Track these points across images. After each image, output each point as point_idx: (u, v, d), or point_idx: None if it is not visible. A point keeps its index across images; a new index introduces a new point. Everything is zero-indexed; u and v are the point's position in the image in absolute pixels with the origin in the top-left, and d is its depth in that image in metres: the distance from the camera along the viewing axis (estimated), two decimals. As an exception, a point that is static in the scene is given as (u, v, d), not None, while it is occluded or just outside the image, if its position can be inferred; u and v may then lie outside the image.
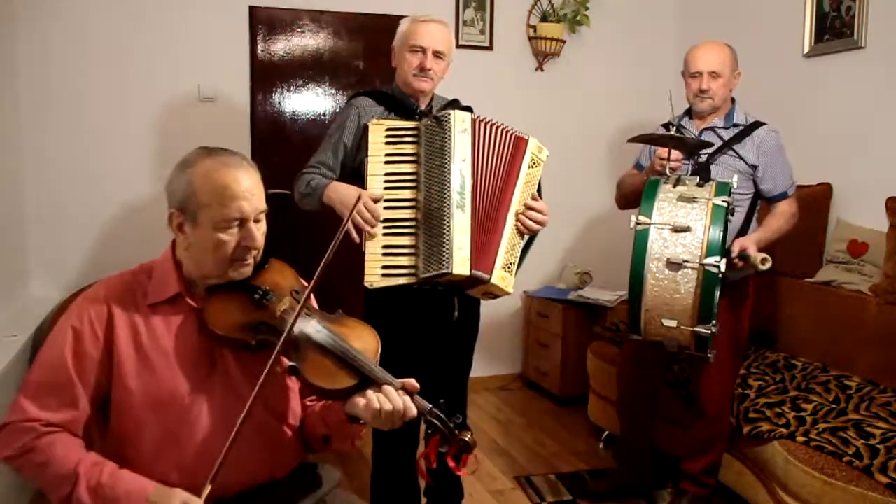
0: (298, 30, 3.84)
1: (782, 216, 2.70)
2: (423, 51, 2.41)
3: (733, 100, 2.79)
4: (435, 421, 1.47)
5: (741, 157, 2.67)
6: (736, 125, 2.73)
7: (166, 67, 3.66)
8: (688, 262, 2.32)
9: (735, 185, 2.46)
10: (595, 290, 4.13)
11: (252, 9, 3.75)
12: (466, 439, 1.46)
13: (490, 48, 4.19)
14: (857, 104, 3.31)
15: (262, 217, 1.53)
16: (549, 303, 4.13)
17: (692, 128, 2.79)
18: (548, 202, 2.34)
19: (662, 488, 2.99)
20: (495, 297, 2.29)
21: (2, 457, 1.42)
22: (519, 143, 2.28)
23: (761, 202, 2.76)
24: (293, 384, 1.60)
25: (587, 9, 4.19)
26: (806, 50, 3.55)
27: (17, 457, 1.40)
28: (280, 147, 3.83)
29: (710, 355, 2.43)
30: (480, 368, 3.62)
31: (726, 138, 2.71)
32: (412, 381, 1.48)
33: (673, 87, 2.86)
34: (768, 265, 2.41)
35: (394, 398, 1.44)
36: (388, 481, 2.56)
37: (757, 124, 2.72)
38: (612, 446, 3.38)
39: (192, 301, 1.53)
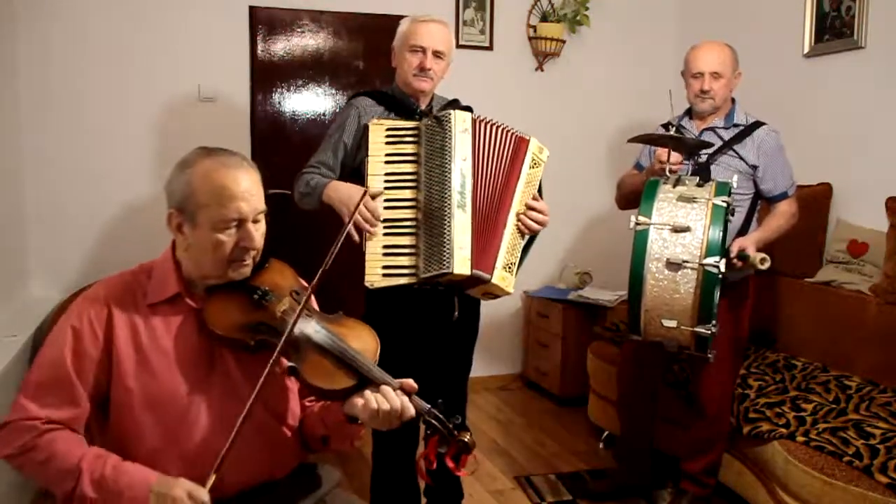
0: (298, 30, 3.84)
1: (782, 216, 2.70)
2: (423, 51, 2.41)
3: (733, 100, 2.79)
4: (433, 421, 1.47)
5: (741, 158, 2.67)
6: (736, 125, 2.73)
7: (166, 67, 3.66)
8: (687, 262, 2.32)
9: (735, 185, 2.46)
10: (595, 290, 4.13)
11: (252, 9, 3.75)
12: (465, 440, 1.46)
13: (490, 48, 4.19)
14: (857, 104, 3.31)
15: (262, 217, 1.53)
16: (549, 303, 4.13)
17: (692, 128, 2.79)
18: (548, 202, 2.34)
19: (662, 488, 2.99)
20: (495, 297, 2.29)
21: (2, 455, 1.43)
22: (520, 144, 2.28)
23: (761, 202, 2.76)
24: (292, 384, 1.60)
25: (587, 9, 4.19)
26: (806, 50, 3.55)
27: (17, 455, 1.41)
28: (280, 147, 3.83)
29: (710, 355, 2.43)
30: (480, 368, 3.62)
31: (726, 138, 2.71)
32: (410, 382, 1.48)
33: (673, 87, 2.86)
34: (767, 265, 2.41)
35: (391, 398, 1.43)
36: (388, 481, 2.56)
37: (757, 124, 2.72)
38: (612, 446, 3.38)
39: (191, 301, 1.53)
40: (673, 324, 2.36)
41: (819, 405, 2.67)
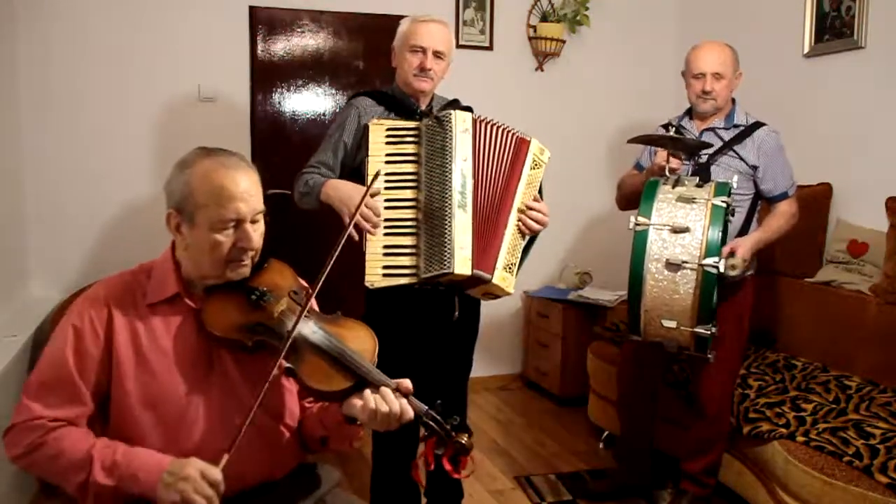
0: (298, 30, 3.84)
1: (782, 216, 2.70)
2: (424, 51, 2.41)
3: (734, 100, 2.78)
4: (431, 423, 1.46)
5: (741, 158, 2.67)
6: (736, 126, 2.73)
7: (166, 67, 3.66)
8: (687, 262, 2.32)
9: (735, 185, 2.46)
10: (595, 290, 4.13)
11: (252, 9, 3.75)
12: (462, 441, 1.45)
13: (490, 48, 4.19)
14: (857, 104, 3.31)
15: (260, 218, 1.53)
16: (549, 303, 4.13)
17: (692, 128, 2.79)
18: (548, 202, 2.34)
19: (662, 488, 2.99)
20: (496, 297, 2.29)
21: (11, 456, 1.43)
22: (521, 145, 2.28)
23: (761, 202, 2.76)
24: (291, 385, 1.60)
25: (587, 9, 4.19)
26: (806, 50, 3.55)
27: (26, 454, 1.41)
28: (280, 147, 3.83)
29: (709, 356, 2.43)
30: (480, 368, 3.62)
31: (726, 139, 2.71)
32: (406, 383, 1.47)
33: (673, 87, 2.85)
34: (734, 273, 2.38)
35: (391, 401, 1.43)
36: (389, 481, 2.56)
37: (757, 125, 2.72)
38: (612, 446, 3.38)
39: (190, 301, 1.53)
40: (672, 324, 2.36)
41: (819, 405, 2.67)
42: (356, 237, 2.20)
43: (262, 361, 1.48)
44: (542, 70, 4.32)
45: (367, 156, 2.26)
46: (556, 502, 2.96)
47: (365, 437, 1.93)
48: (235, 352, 1.51)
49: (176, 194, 1.49)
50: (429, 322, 2.43)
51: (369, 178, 2.23)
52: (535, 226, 2.28)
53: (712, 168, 2.66)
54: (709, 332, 2.34)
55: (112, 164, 3.62)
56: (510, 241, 2.23)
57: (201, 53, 3.70)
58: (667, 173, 2.53)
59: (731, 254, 2.46)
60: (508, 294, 2.26)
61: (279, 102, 3.85)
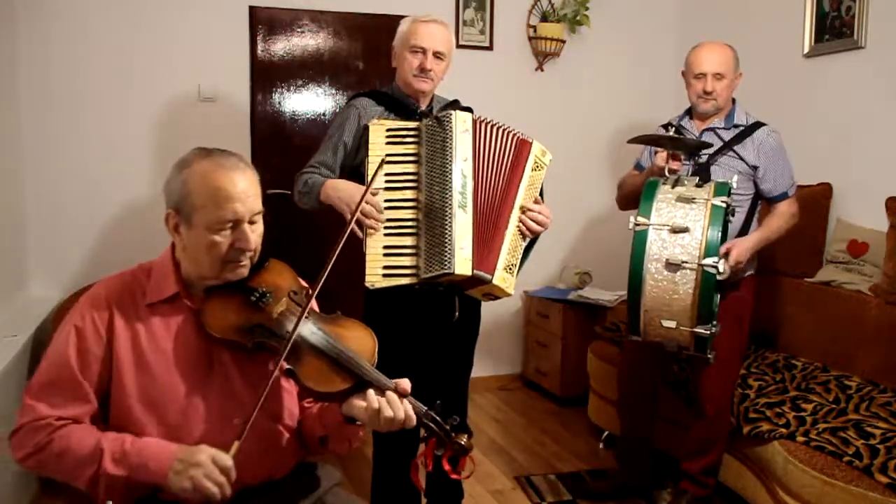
0: (298, 30, 3.84)
1: (782, 216, 2.70)
2: (424, 51, 2.41)
3: (734, 100, 2.78)
4: (430, 423, 1.46)
5: (741, 158, 2.67)
6: (736, 126, 2.73)
7: (166, 67, 3.66)
8: (686, 262, 2.32)
9: (735, 185, 2.46)
10: (595, 290, 4.13)
11: (252, 9, 3.75)
12: (462, 442, 1.44)
13: (490, 48, 4.19)
14: (857, 104, 3.31)
15: (259, 218, 1.53)
16: (549, 303, 4.13)
17: (692, 128, 2.79)
18: (548, 202, 2.34)
19: (662, 488, 3.00)
20: (495, 298, 2.29)
21: (18, 457, 1.43)
22: (522, 146, 2.28)
23: (762, 202, 2.76)
24: (290, 386, 1.60)
25: (587, 9, 4.19)
26: (806, 50, 3.54)
27: (34, 453, 1.41)
28: (280, 147, 3.83)
29: (709, 356, 2.43)
30: (480, 368, 3.62)
31: (727, 139, 2.71)
32: (404, 383, 1.47)
33: (673, 87, 2.86)
34: (722, 276, 2.37)
35: (396, 406, 1.43)
36: (389, 481, 2.56)
37: (757, 125, 2.72)
38: (612, 446, 3.38)
39: (189, 302, 1.53)
40: (672, 324, 2.36)
41: (819, 405, 2.67)
42: (360, 234, 2.20)
43: (262, 362, 1.47)
44: (542, 70, 4.32)
45: (367, 156, 2.26)
46: (556, 502, 2.96)
47: (365, 438, 1.93)
48: (235, 352, 1.51)
49: (174, 195, 1.49)
50: (429, 322, 2.43)
51: (371, 171, 2.22)
52: (536, 227, 2.28)
53: (712, 168, 2.66)
54: (708, 332, 2.34)
55: (112, 163, 3.62)
56: (511, 241, 2.23)
57: (201, 53, 3.70)
58: (666, 173, 2.53)
59: (726, 254, 2.45)
60: (508, 295, 2.26)
61: (279, 102, 3.85)
